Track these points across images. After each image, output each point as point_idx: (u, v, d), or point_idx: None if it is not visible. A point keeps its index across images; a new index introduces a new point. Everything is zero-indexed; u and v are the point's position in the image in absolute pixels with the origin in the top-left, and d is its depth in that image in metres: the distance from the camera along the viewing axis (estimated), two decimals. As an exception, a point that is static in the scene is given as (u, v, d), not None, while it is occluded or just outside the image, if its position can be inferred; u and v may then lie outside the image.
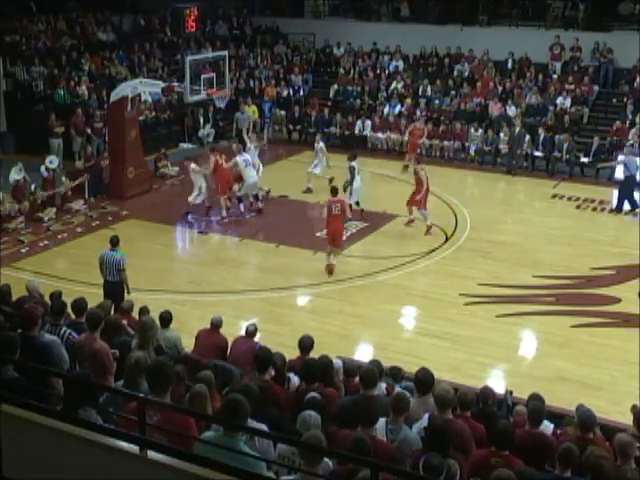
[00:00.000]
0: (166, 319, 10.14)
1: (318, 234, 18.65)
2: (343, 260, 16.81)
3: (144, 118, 24.73)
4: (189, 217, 19.50)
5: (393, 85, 28.81)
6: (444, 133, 25.87)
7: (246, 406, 5.95)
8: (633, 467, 6.44)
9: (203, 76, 22.78)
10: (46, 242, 17.97)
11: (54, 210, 19.40)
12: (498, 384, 11.58)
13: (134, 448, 5.24)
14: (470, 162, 25.00)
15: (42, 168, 19.81)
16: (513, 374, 12.52)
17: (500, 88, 27.51)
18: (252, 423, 6.09)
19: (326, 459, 5.94)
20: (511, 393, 9.24)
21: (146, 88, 22.33)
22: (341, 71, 30.51)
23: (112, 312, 10.62)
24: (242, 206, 19.62)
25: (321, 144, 22.29)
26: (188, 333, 10.91)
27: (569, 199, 21.81)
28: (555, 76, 27.57)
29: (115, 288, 13.07)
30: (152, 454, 5.20)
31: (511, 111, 26.07)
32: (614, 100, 26.73)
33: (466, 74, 28.84)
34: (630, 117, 24.86)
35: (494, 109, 26.40)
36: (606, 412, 9.78)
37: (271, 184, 21.09)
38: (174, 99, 26.39)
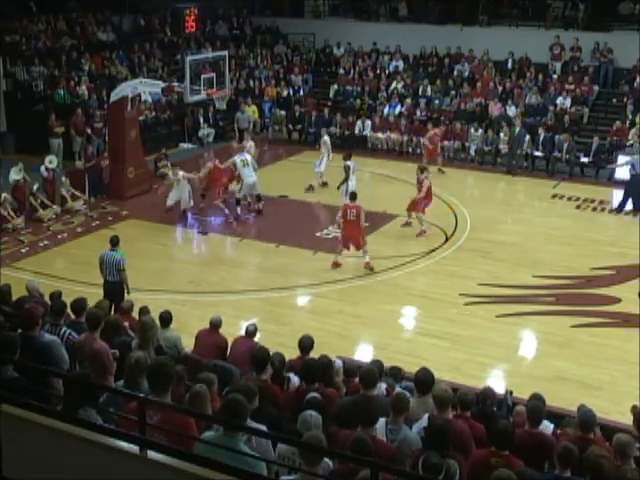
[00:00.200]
0: (166, 319, 10.15)
1: (318, 234, 18.68)
2: (343, 260, 16.80)
3: (144, 118, 24.75)
4: (189, 217, 19.51)
5: (393, 85, 28.81)
6: (444, 133, 25.85)
7: (246, 406, 5.95)
8: (633, 467, 6.44)
9: (203, 76, 22.78)
10: (46, 242, 17.98)
11: (54, 210, 19.39)
12: (498, 384, 11.57)
13: (134, 448, 5.24)
14: (470, 162, 25.00)
15: (42, 168, 19.84)
16: (513, 374, 12.52)
17: (500, 88, 27.51)
18: (251, 424, 6.10)
19: (326, 459, 5.94)
20: (511, 393, 9.24)
21: (146, 88, 22.33)
22: (341, 71, 30.51)
23: (110, 312, 10.62)
24: (239, 208, 19.61)
25: (326, 137, 22.39)
26: (188, 333, 10.91)
27: (569, 199, 21.81)
28: (555, 76, 27.56)
29: (115, 288, 13.08)
30: (152, 454, 5.20)
31: (511, 111, 26.07)
32: (614, 100, 26.73)
33: (466, 74, 28.84)
34: (630, 117, 24.86)
35: (494, 109, 26.40)
36: (606, 412, 9.77)
37: (271, 184, 21.07)
38: (174, 99, 26.39)
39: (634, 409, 7.97)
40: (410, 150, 25.89)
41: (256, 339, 10.29)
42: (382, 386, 8.33)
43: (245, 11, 34.97)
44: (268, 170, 22.37)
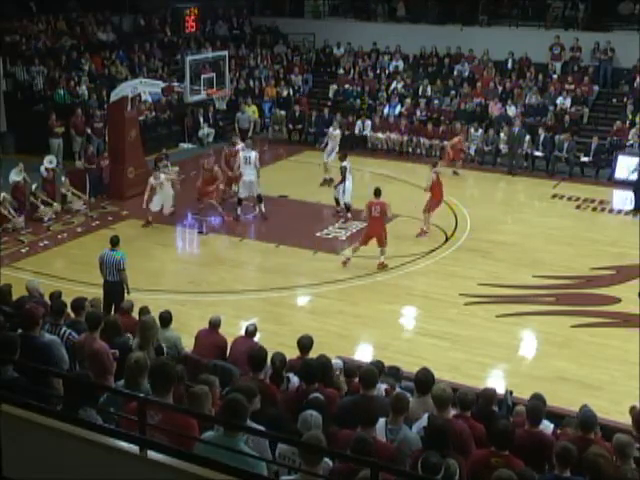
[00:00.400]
0: (166, 319, 10.15)
1: (318, 234, 18.68)
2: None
3: (144, 118, 24.72)
4: (189, 217, 19.51)
5: (393, 85, 28.81)
6: (444, 133, 25.86)
7: (246, 406, 5.95)
8: (633, 467, 6.45)
9: (203, 76, 22.77)
10: (46, 242, 17.97)
11: (54, 208, 19.38)
12: (498, 384, 11.56)
13: (134, 448, 5.24)
14: (470, 162, 24.98)
15: (42, 168, 19.84)
16: (513, 374, 12.52)
17: (500, 88, 27.51)
18: (250, 424, 6.10)
19: (326, 459, 5.93)
20: (511, 393, 9.24)
21: (146, 88, 22.33)
22: (341, 71, 30.50)
23: (110, 312, 10.61)
24: (239, 209, 19.62)
25: (338, 131, 22.43)
26: (188, 333, 10.92)
27: (569, 199, 21.81)
28: (555, 76, 27.56)
29: (115, 288, 13.07)
30: (152, 454, 5.20)
31: (511, 111, 26.06)
32: (614, 100, 26.74)
33: (466, 74, 28.84)
34: (630, 117, 24.86)
35: (494, 109, 26.39)
36: (606, 412, 9.77)
37: (271, 184, 21.05)
38: (174, 99, 26.38)
39: (633, 410, 7.96)
40: (410, 150, 25.87)
41: (256, 339, 10.29)
42: (382, 387, 8.32)
43: (245, 11, 34.97)
44: (268, 170, 22.35)
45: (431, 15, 31.13)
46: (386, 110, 27.46)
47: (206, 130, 27.27)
